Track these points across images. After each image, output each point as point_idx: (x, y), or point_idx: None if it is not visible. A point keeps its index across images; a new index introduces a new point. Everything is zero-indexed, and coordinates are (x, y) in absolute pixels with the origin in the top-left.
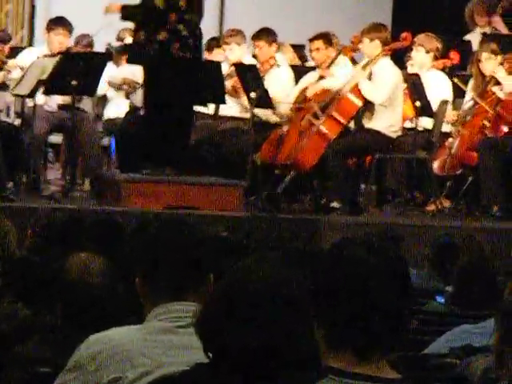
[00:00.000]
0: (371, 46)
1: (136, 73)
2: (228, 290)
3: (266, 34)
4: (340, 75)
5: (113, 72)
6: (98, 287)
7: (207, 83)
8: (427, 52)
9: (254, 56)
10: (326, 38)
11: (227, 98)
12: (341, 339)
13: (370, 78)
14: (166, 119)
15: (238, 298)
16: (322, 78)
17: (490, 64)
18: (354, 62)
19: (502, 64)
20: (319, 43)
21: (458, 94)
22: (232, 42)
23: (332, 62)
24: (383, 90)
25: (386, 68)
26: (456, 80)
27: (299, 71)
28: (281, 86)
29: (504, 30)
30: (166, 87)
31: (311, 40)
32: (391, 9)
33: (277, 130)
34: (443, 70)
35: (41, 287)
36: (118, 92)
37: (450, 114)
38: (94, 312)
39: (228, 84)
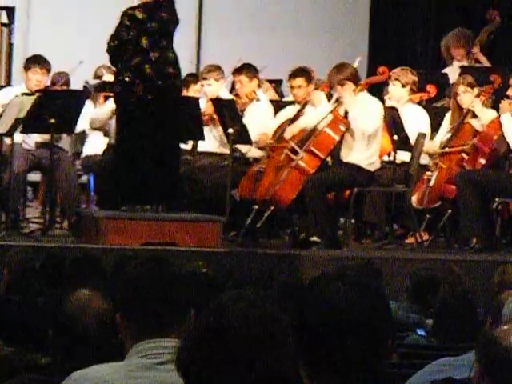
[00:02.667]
0: (345, 90)
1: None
2: (207, 327)
3: (246, 70)
4: (317, 111)
5: (90, 111)
6: (95, 327)
7: (185, 119)
8: (403, 86)
9: (231, 92)
10: (308, 74)
11: (206, 134)
12: (323, 374)
13: (345, 114)
14: (134, 156)
15: (217, 335)
16: (300, 111)
17: (467, 97)
18: (330, 96)
19: (478, 96)
20: (301, 80)
21: (436, 127)
22: (210, 77)
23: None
24: (373, 119)
25: (370, 99)
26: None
27: (278, 106)
28: (260, 120)
29: (485, 62)
30: (131, 126)
31: (293, 77)
32: (368, 43)
33: (255, 165)
34: (420, 103)
35: (22, 326)
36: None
37: (429, 146)
38: (87, 351)
39: (206, 116)
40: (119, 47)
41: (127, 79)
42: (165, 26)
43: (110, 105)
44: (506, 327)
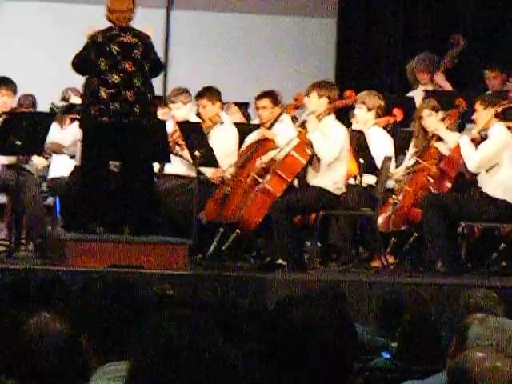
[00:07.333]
0: (319, 103)
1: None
2: (156, 347)
3: (209, 93)
4: (283, 134)
5: (56, 133)
6: (54, 352)
7: (152, 142)
8: (369, 109)
9: (198, 115)
10: (274, 96)
11: (172, 156)
12: None
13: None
14: (96, 179)
15: (157, 355)
16: (264, 137)
17: (432, 120)
18: (295, 119)
19: (443, 120)
20: (267, 102)
21: (399, 151)
22: (178, 100)
23: (275, 121)
24: (333, 148)
25: (334, 126)
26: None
27: (244, 129)
28: (224, 143)
29: (447, 87)
30: (90, 150)
31: (259, 98)
32: (334, 67)
33: (221, 187)
34: (386, 126)
35: None
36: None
37: (394, 170)
38: (47, 375)
39: (172, 140)
40: (81, 69)
41: (86, 102)
42: (128, 49)
43: (75, 128)
44: (477, 353)
